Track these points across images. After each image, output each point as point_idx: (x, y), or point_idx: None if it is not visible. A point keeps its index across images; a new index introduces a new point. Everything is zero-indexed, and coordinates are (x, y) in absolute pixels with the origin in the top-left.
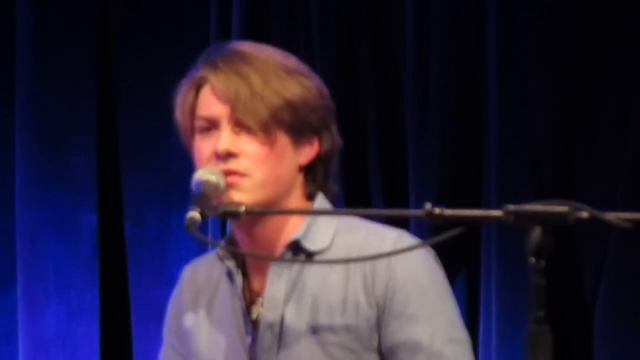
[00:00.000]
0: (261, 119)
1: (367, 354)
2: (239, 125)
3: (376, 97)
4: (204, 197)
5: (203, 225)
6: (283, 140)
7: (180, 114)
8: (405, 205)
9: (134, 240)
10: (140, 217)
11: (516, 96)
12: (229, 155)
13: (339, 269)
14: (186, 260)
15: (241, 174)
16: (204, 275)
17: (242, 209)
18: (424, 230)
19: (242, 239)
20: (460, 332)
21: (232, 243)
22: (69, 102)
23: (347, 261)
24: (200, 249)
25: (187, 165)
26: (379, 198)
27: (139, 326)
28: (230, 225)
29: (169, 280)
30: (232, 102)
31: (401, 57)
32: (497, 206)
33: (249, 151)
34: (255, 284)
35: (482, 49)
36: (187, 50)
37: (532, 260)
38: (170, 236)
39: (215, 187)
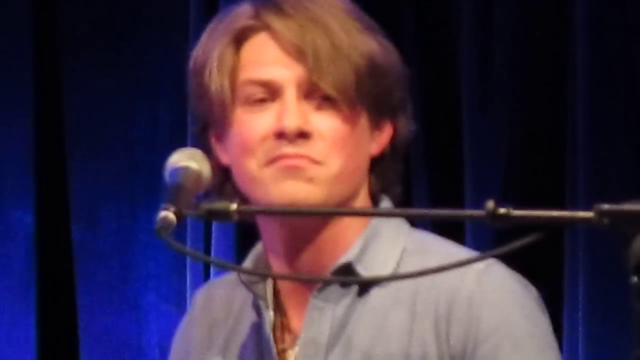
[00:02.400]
0: (345, 86)
1: None
2: (313, 93)
3: (422, 72)
4: (182, 190)
5: (179, 229)
6: (363, 118)
7: (217, 76)
8: (458, 206)
9: (84, 250)
10: (93, 219)
11: (608, 71)
12: (300, 136)
13: (402, 307)
14: (155, 277)
15: (314, 160)
16: (223, 304)
17: (234, 207)
18: (483, 239)
19: (278, 254)
20: None
21: (261, 262)
22: None
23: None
24: (175, 263)
25: (157, 147)
26: (423, 196)
27: None
28: (261, 234)
29: (131, 305)
30: (308, 61)
31: (456, 14)
32: (584, 208)
33: (326, 130)
34: (292, 321)
35: (568, 9)
36: None
37: (634, 279)
38: (133, 245)
39: (197, 177)
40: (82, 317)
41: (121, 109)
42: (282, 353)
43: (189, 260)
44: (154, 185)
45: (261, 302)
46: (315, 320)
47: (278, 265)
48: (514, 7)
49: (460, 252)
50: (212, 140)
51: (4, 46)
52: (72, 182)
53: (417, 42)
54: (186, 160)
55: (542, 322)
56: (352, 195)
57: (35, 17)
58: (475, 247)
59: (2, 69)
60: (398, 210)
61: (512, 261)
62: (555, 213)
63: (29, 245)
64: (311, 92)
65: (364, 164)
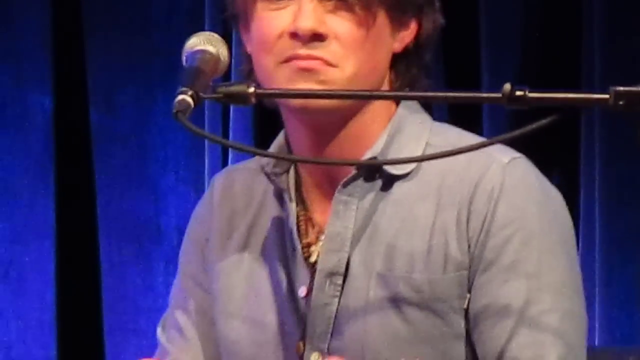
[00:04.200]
0: None
1: (454, 318)
2: None
3: None
4: (199, 73)
5: (197, 112)
6: (382, 18)
7: None
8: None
9: (102, 133)
10: (111, 101)
11: None
12: (314, 37)
13: (427, 200)
14: (173, 160)
15: (329, 63)
16: (244, 192)
17: (251, 89)
18: (501, 122)
19: (303, 147)
20: (571, 304)
21: (284, 149)
22: None
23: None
24: (193, 147)
25: (175, 30)
26: (439, 81)
27: (107, 248)
28: (284, 126)
29: (149, 187)
30: None
31: None
32: (600, 90)
33: (341, 32)
34: (316, 214)
35: None
36: None
37: None
38: (151, 127)
39: (216, 61)
40: (100, 199)
41: None
42: (306, 247)
43: (207, 143)
44: (171, 69)
45: (285, 194)
46: (340, 214)
47: (304, 153)
48: None
49: (485, 145)
50: (241, 28)
51: None
52: (90, 65)
53: None
54: (204, 43)
55: (558, 222)
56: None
57: None
58: (491, 130)
59: None
60: (415, 94)
61: (530, 144)
62: (571, 95)
63: (47, 127)
64: None
65: (383, 64)
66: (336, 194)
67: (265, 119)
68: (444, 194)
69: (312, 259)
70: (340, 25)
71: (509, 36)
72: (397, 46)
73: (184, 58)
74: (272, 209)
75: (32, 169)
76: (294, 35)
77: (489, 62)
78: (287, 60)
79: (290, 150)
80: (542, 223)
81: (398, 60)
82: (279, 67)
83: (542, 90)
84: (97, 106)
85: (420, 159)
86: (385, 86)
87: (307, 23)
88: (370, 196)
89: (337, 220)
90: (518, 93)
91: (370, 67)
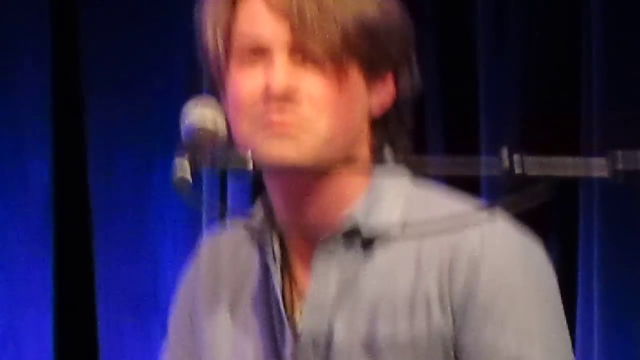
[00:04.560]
0: (332, 47)
1: None
2: (300, 54)
3: (437, 18)
4: (199, 141)
5: (196, 180)
6: (356, 78)
7: (211, 30)
8: (473, 154)
9: (101, 200)
10: (110, 169)
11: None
12: (284, 98)
13: (407, 262)
14: (172, 228)
15: (300, 126)
16: (229, 257)
17: (249, 157)
18: (498, 188)
19: (282, 209)
20: (562, 357)
21: (267, 213)
22: (13, 3)
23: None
24: (192, 214)
25: (176, 97)
26: (437, 145)
27: (106, 317)
28: (269, 189)
29: (148, 255)
30: (293, 19)
31: None
32: (598, 154)
33: (313, 92)
34: (298, 275)
35: None
36: None
37: None
38: (150, 195)
39: (213, 137)
40: (98, 267)
41: (139, 57)
42: (289, 307)
43: (205, 211)
44: (171, 136)
45: (268, 256)
46: (321, 275)
47: (283, 222)
48: None
49: (465, 205)
50: (220, 91)
51: None
52: (90, 132)
53: None
54: (202, 119)
55: (542, 277)
56: (348, 155)
57: None
58: (490, 194)
59: (19, 13)
60: (413, 160)
61: (528, 211)
62: (570, 160)
63: (46, 194)
64: (298, 52)
65: (360, 123)
66: (316, 254)
67: (263, 182)
68: (423, 256)
69: (296, 324)
70: (313, 85)
71: (507, 103)
72: (375, 106)
73: (182, 126)
74: (256, 272)
75: (30, 237)
76: (266, 95)
77: (487, 129)
78: (262, 126)
79: (271, 210)
80: (526, 280)
81: (378, 121)
82: (254, 132)
83: (540, 155)
84: (96, 174)
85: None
86: (364, 147)
87: (278, 83)
88: (350, 256)
89: (318, 282)
90: (516, 158)
91: (346, 126)
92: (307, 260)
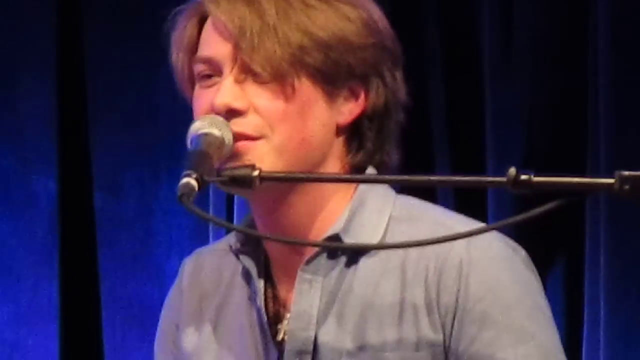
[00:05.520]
0: (273, 62)
1: None
2: (245, 71)
3: (442, 32)
4: (204, 157)
5: (201, 196)
6: (308, 90)
7: (175, 54)
8: (480, 173)
9: (107, 217)
10: (116, 185)
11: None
12: (231, 113)
13: (392, 276)
14: (178, 244)
15: (252, 137)
16: (212, 274)
17: (256, 173)
18: (505, 207)
19: (264, 226)
20: (558, 358)
21: (252, 227)
22: (20, 25)
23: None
24: (198, 230)
25: (180, 114)
26: (444, 164)
27: (111, 333)
28: (249, 207)
29: (154, 272)
30: (235, 39)
31: None
32: (606, 175)
33: (260, 105)
34: (282, 292)
35: None
36: None
37: None
38: (156, 211)
39: (220, 144)
40: (104, 283)
41: (143, 76)
42: (274, 325)
43: (211, 227)
44: (176, 152)
45: (252, 273)
46: (304, 292)
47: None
48: None
49: (447, 218)
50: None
51: (28, 13)
52: (95, 149)
53: (438, 8)
54: (208, 127)
55: (531, 286)
56: (314, 165)
57: None
58: (497, 213)
59: (26, 35)
60: (418, 178)
61: (531, 233)
62: (576, 179)
63: (52, 211)
64: (244, 69)
65: (322, 134)
66: (300, 272)
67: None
68: (409, 269)
69: (280, 337)
70: (258, 98)
71: (514, 121)
72: (343, 117)
73: (188, 141)
74: (240, 289)
75: (36, 252)
76: (214, 111)
77: (495, 147)
78: None
79: (253, 225)
80: (516, 290)
81: (351, 133)
82: None
83: (547, 174)
84: (101, 190)
85: (381, 247)
86: (334, 160)
87: (220, 99)
88: (335, 273)
89: (302, 299)
90: (523, 177)
91: (300, 138)
92: (291, 274)
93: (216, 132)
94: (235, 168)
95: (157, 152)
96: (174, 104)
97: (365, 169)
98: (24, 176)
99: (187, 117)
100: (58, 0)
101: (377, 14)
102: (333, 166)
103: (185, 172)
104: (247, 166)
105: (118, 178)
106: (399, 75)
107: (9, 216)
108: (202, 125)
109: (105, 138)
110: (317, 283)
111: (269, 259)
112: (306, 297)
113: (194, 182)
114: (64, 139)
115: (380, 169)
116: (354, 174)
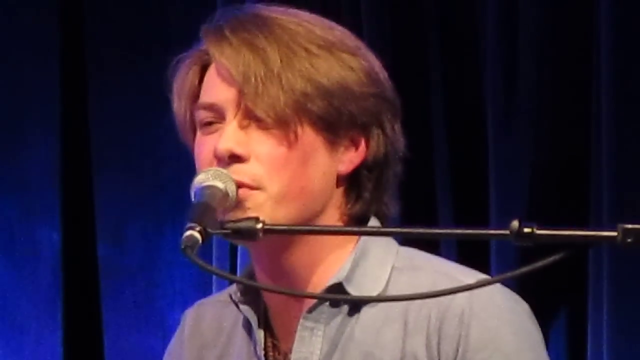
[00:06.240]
0: (277, 109)
1: None
2: (249, 116)
3: (445, 85)
4: (207, 209)
5: (205, 248)
6: (310, 138)
7: (177, 101)
8: (483, 225)
9: (110, 268)
10: (119, 236)
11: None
12: (233, 159)
13: (394, 324)
14: (181, 295)
15: (250, 186)
16: (213, 324)
17: (259, 225)
18: (508, 259)
19: (264, 274)
20: None
21: (250, 277)
22: (25, 76)
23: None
24: (201, 281)
25: (183, 165)
26: (447, 216)
27: None
28: (250, 256)
29: (157, 323)
30: (239, 85)
31: (480, 33)
32: (609, 226)
33: (261, 152)
34: (282, 341)
35: (593, 20)
36: (181, 15)
37: None
38: (159, 262)
39: (223, 197)
40: (108, 334)
41: (146, 127)
42: None
43: (214, 278)
44: (179, 203)
45: (252, 323)
46: (305, 340)
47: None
48: (538, 24)
49: (449, 269)
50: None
51: (32, 65)
52: (98, 199)
53: (442, 61)
54: (212, 179)
55: (532, 338)
56: (312, 218)
57: (62, 36)
58: (500, 266)
59: (30, 87)
60: (422, 230)
61: (534, 284)
62: (579, 232)
63: (55, 262)
64: (247, 116)
65: (322, 183)
66: (301, 321)
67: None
68: (411, 318)
69: None
70: (259, 145)
71: (517, 174)
72: (344, 166)
73: (192, 193)
74: (240, 339)
75: (40, 303)
76: (217, 157)
77: (497, 199)
78: None
79: (255, 279)
80: (517, 342)
81: (351, 182)
82: None
83: (550, 227)
84: (105, 241)
85: (384, 299)
86: (333, 210)
87: (223, 144)
88: (337, 321)
89: (303, 346)
90: (526, 230)
91: (300, 187)
92: (290, 322)
93: (220, 184)
94: (238, 221)
95: (161, 203)
96: (177, 155)
97: (366, 218)
98: (28, 226)
99: (191, 168)
100: (62, 50)
101: (377, 65)
102: (332, 216)
103: (188, 225)
104: (250, 218)
105: (121, 229)
106: (397, 127)
107: (13, 266)
108: (206, 178)
109: (108, 189)
110: (318, 331)
111: (269, 310)
112: (307, 344)
113: (197, 235)
114: (67, 189)
115: (381, 219)
116: (354, 224)
